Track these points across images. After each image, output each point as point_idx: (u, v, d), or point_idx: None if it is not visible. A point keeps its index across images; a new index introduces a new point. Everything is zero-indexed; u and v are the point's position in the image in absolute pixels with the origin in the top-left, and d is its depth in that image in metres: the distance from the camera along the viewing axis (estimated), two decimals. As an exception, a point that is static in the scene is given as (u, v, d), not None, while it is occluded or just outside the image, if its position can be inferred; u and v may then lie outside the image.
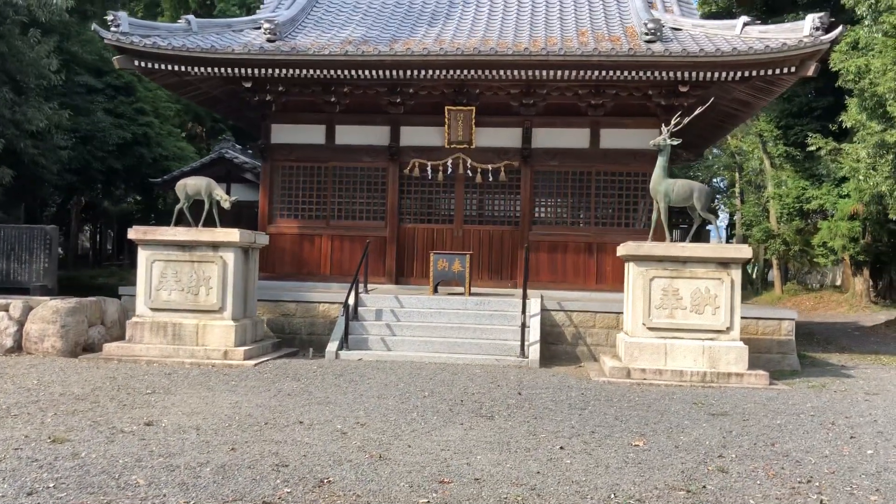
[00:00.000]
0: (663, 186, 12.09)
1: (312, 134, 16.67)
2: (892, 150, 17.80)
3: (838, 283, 35.04)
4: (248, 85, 15.94)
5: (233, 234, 12.29)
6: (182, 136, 27.03)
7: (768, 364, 13.11)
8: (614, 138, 16.07)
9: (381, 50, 14.27)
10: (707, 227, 43.58)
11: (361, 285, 14.27)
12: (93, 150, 19.85)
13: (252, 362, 11.88)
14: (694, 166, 42.54)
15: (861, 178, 19.19)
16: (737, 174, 43.25)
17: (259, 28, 15.60)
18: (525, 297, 13.12)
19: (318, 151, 16.63)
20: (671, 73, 14.17)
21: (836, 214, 25.86)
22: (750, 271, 42.42)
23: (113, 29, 14.43)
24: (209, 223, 12.74)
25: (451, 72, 14.48)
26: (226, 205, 12.78)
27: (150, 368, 11.25)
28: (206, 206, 12.86)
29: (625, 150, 15.89)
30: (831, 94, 23.70)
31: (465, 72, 14.48)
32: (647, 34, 14.32)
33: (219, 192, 12.80)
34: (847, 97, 19.71)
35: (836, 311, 27.50)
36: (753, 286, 38.69)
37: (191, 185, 12.92)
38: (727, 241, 47.70)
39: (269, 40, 14.92)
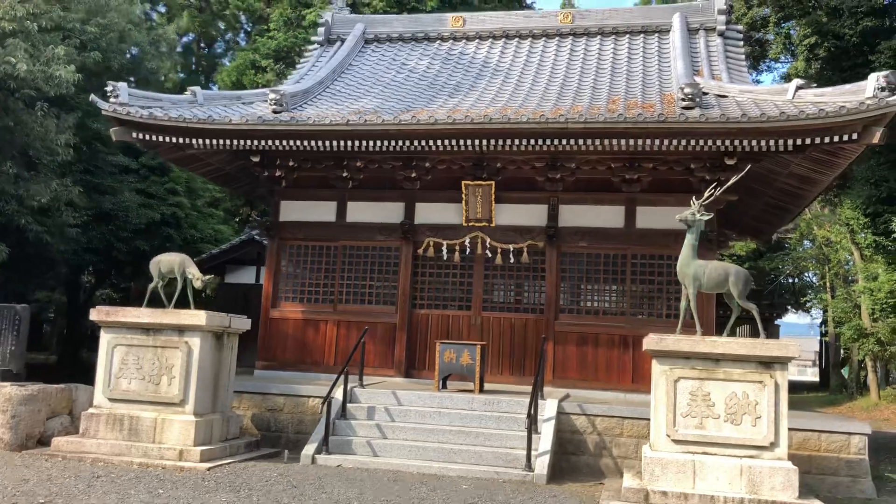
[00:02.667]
0: (692, 269, 10.16)
1: (323, 211, 15.50)
2: None
3: (948, 388, 31.06)
4: (256, 159, 15.02)
5: (199, 317, 10.99)
6: (223, 217, 26.56)
7: (835, 489, 10.67)
8: (652, 217, 14.21)
9: (386, 119, 13.07)
10: (776, 322, 40.16)
11: (356, 378, 12.69)
12: (115, 231, 19.32)
13: (208, 465, 10.34)
14: (776, 258, 39.61)
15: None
16: (826, 267, 39.99)
17: (270, 100, 14.72)
18: (535, 396, 11.22)
19: (327, 229, 15.40)
20: (710, 143, 12.39)
21: (936, 310, 22.82)
22: (845, 374, 38.58)
23: (112, 100, 13.82)
24: (182, 304, 11.53)
25: (464, 143, 13.11)
26: (198, 284, 11.56)
27: (87, 469, 9.85)
28: (179, 286, 11.67)
29: (664, 231, 13.97)
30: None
31: (480, 143, 13.09)
32: (684, 100, 12.62)
33: (192, 270, 11.61)
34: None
35: (941, 421, 23.94)
36: (848, 390, 34.95)
37: (164, 262, 11.81)
38: (821, 342, 43.87)
39: (274, 111, 13.99)
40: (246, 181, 16.80)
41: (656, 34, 17.28)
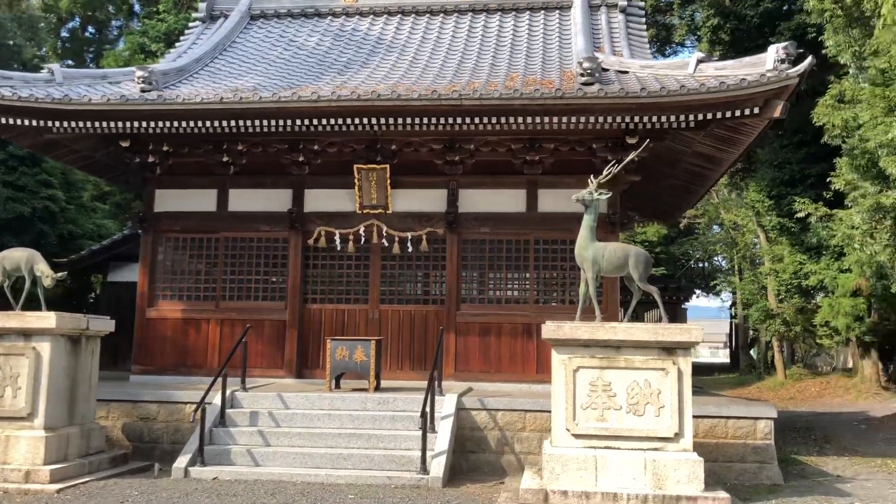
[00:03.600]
0: (590, 251, 9.47)
1: (202, 200, 14.25)
2: (891, 214, 15.22)
3: (849, 365, 31.89)
4: (126, 144, 13.69)
5: (48, 319, 9.69)
6: (110, 212, 24.75)
7: (742, 477, 10.24)
8: (555, 201, 13.53)
9: (264, 96, 11.98)
10: (683, 306, 40.70)
11: (238, 380, 11.60)
12: (-24, 225, 17.57)
13: (58, 486, 9.10)
14: (685, 243, 40.09)
15: (857, 246, 16.50)
16: (734, 250, 40.66)
17: (141, 79, 13.38)
18: (431, 392, 10.38)
19: (208, 220, 14.17)
20: (610, 120, 11.81)
21: (836, 291, 23.10)
22: (754, 355, 39.37)
23: (-46, 79, 12.26)
24: (32, 305, 10.19)
25: (352, 122, 12.17)
26: (48, 282, 10.24)
27: None
28: (27, 285, 10.32)
29: (567, 215, 13.25)
30: (826, 159, 21.36)
31: (370, 122, 12.17)
32: (583, 75, 11.97)
33: (42, 268, 10.27)
34: (838, 159, 17.31)
35: (843, 398, 24.32)
36: (756, 370, 35.60)
37: (9, 259, 10.42)
38: (731, 324, 44.75)
39: (142, 91, 12.67)
40: (120, 169, 15.35)
41: (557, 10, 16.68)
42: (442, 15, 16.91)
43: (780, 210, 25.74)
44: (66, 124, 12.46)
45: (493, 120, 11.88)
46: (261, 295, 14.00)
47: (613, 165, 9.98)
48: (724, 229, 41.03)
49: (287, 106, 11.88)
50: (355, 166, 13.50)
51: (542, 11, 16.73)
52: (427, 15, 16.93)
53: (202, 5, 17.30)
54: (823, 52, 17.78)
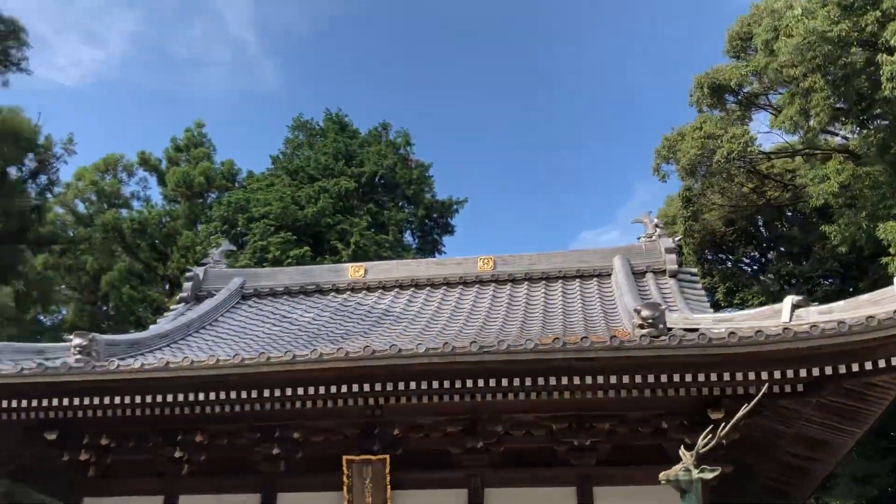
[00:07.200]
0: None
1: (142, 512, 10.69)
2: None
3: None
4: (52, 437, 10.56)
5: None
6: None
7: None
8: (618, 502, 9.83)
9: (222, 360, 9.07)
10: None
11: None
12: None
13: None
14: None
15: None
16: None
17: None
18: None
19: (146, 541, 10.48)
20: (688, 379, 8.63)
21: None
22: None
23: None
24: None
25: (339, 393, 9.14)
26: None
27: None
28: None
29: (638, 520, 9.55)
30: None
31: (362, 393, 9.11)
32: (642, 326, 9.03)
33: None
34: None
35: None
36: None
37: None
38: None
39: (76, 362, 9.87)
40: (44, 471, 11.94)
41: (595, 278, 14.23)
42: (461, 286, 14.53)
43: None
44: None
45: (527, 383, 8.73)
46: None
47: (721, 427, 6.60)
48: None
49: (247, 371, 8.90)
50: (345, 458, 10.08)
51: (577, 280, 14.30)
52: (444, 287, 14.57)
53: (187, 285, 15.15)
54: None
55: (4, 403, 9.64)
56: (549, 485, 10.12)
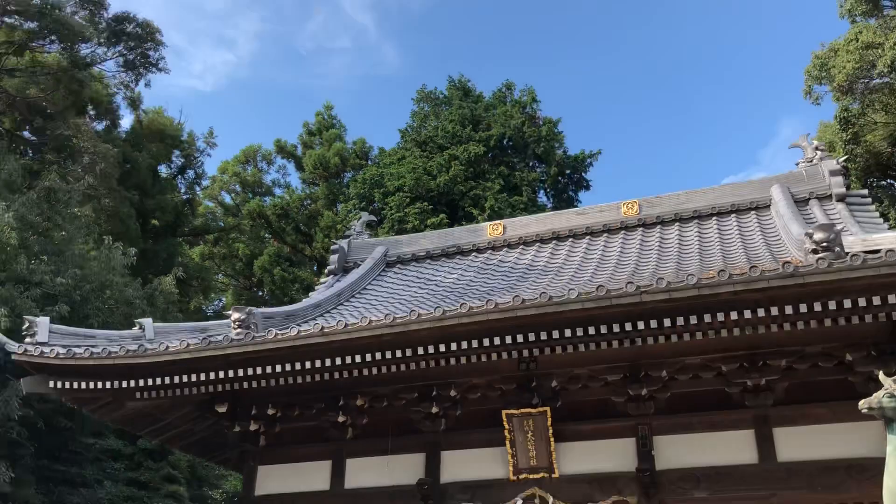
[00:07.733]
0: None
1: (313, 476, 10.97)
2: None
3: None
4: (223, 409, 11.03)
5: None
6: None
7: None
8: (801, 443, 9.11)
9: (374, 321, 9.05)
10: None
11: None
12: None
13: None
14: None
15: None
16: None
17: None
18: None
19: (320, 503, 10.73)
20: (876, 304, 7.74)
21: None
22: None
23: (28, 339, 10.35)
24: None
25: (492, 346, 8.85)
26: None
27: None
28: None
29: (826, 463, 8.79)
30: None
31: (515, 345, 8.80)
32: (816, 251, 8.20)
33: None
34: None
35: None
36: None
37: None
38: None
39: (236, 335, 10.20)
40: (217, 443, 12.53)
41: (752, 211, 13.27)
42: (606, 234, 13.96)
43: None
44: (143, 383, 10.01)
45: (693, 322, 8.13)
46: None
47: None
48: None
49: (400, 331, 8.83)
50: (504, 412, 9.89)
51: (733, 215, 13.36)
52: (587, 237, 14.05)
53: (334, 258, 15.45)
54: None
55: (176, 379, 10.10)
56: (724, 429, 9.49)
